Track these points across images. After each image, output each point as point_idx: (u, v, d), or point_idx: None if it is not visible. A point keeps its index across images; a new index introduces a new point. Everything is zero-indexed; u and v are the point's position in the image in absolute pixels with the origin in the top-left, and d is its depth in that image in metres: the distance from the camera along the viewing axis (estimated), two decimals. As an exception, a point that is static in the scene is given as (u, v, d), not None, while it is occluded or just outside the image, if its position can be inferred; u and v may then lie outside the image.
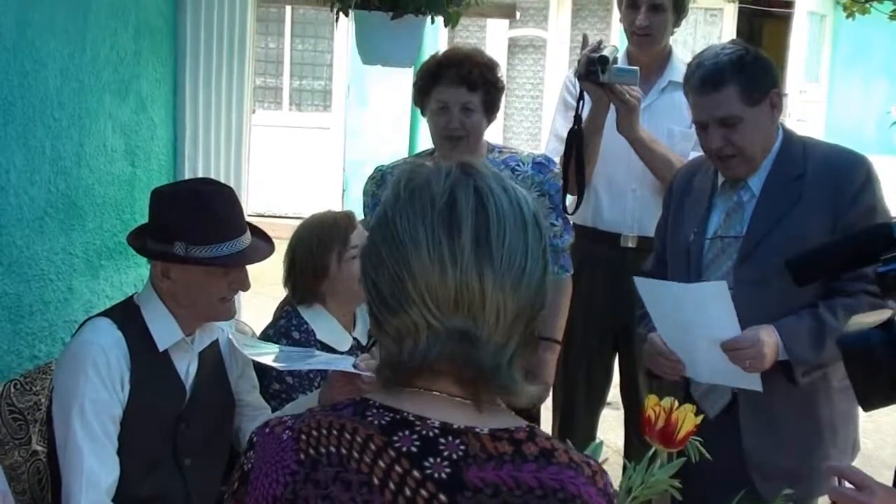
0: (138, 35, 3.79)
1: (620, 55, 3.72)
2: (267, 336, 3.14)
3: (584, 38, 3.64)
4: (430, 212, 1.40)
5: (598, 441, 2.01)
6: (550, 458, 1.41)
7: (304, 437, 1.43)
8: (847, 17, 5.75)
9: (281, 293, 3.40)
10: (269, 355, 2.77)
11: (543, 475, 1.38)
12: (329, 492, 1.38)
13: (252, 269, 2.75)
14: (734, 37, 12.22)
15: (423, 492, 1.36)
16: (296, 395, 2.96)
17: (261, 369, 2.95)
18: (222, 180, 4.01)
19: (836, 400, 2.95)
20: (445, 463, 1.38)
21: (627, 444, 4.06)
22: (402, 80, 8.08)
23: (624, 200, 3.85)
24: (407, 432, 1.40)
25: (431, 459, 1.38)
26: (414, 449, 1.39)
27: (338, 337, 3.13)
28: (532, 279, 1.42)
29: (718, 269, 2.96)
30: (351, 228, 3.15)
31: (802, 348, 2.79)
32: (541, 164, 3.43)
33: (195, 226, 2.60)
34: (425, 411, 1.44)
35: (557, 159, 3.72)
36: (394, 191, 1.47)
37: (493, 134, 11.74)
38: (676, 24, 3.85)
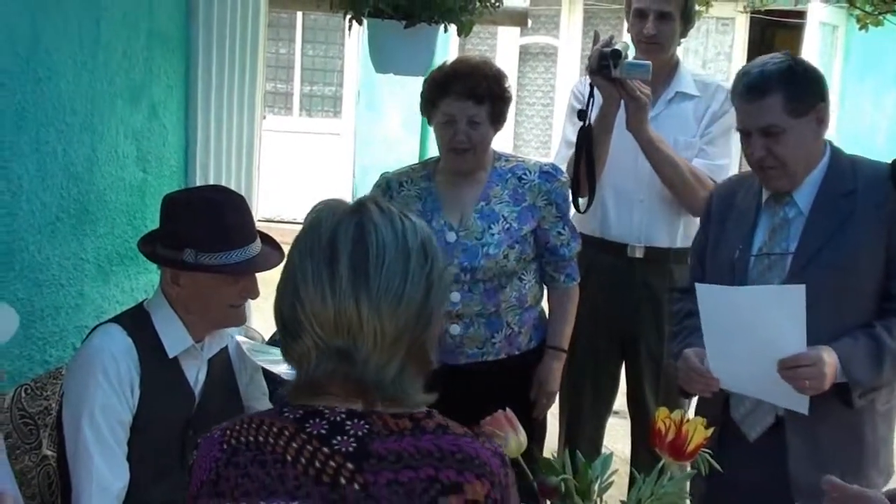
0: (150, 42, 3.81)
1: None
2: (275, 342, 3.15)
3: (596, 34, 3.64)
4: (315, 247, 1.63)
5: (608, 452, 2.01)
6: (447, 430, 1.61)
7: (228, 431, 1.66)
8: (860, 28, 5.74)
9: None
10: (278, 363, 2.77)
11: (441, 441, 1.58)
12: (247, 471, 1.59)
13: (263, 276, 2.76)
14: (746, 46, 12.23)
15: (332, 463, 1.57)
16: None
17: (269, 375, 2.95)
18: (233, 186, 4.03)
19: (879, 423, 2.90)
20: (352, 440, 1.58)
21: (634, 453, 4.05)
22: (412, 87, 8.09)
23: (631, 211, 3.85)
24: (317, 419, 1.61)
25: (339, 437, 1.59)
26: (323, 431, 1.59)
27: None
28: (412, 302, 1.60)
29: None
30: None
31: (861, 370, 2.71)
32: (548, 174, 3.40)
33: (205, 233, 2.61)
34: (334, 405, 1.65)
35: (566, 165, 3.73)
36: (300, 232, 1.70)
37: (503, 141, 11.77)
38: (684, 34, 3.84)
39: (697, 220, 3.41)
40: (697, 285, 2.82)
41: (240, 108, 4.37)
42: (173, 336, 2.70)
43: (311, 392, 1.65)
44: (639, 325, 3.85)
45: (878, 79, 11.29)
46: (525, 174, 3.39)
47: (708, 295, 2.79)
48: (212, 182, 4.12)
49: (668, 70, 3.84)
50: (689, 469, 2.13)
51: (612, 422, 4.17)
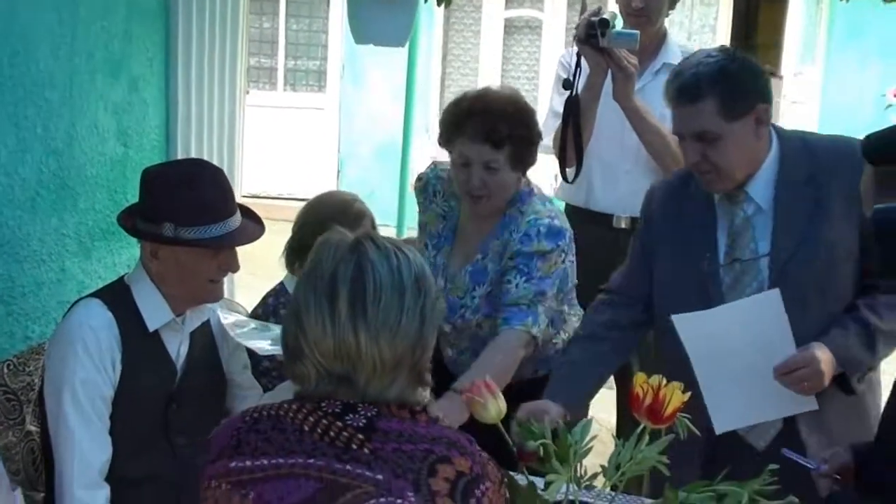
0: (129, 14, 3.78)
1: None
2: (256, 315, 3.15)
3: (584, 3, 3.66)
4: (318, 283, 1.78)
5: (588, 418, 2.02)
6: (437, 422, 1.80)
7: (251, 409, 1.84)
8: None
9: (277, 277, 3.40)
10: (259, 338, 2.78)
11: (432, 429, 1.77)
12: (267, 436, 1.76)
13: (248, 254, 2.75)
14: (730, 19, 12.20)
15: (345, 433, 1.73)
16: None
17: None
18: (215, 160, 4.01)
19: (878, 391, 2.88)
20: (362, 418, 1.75)
21: (620, 423, 4.07)
22: (397, 60, 8.03)
23: (617, 181, 3.85)
24: (331, 400, 1.77)
25: (351, 415, 1.75)
26: (338, 410, 1.76)
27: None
28: (409, 332, 1.77)
29: (741, 295, 2.76)
30: (360, 219, 3.17)
31: (857, 358, 2.67)
32: (529, 236, 3.06)
33: (184, 207, 2.60)
34: None
35: (553, 136, 3.74)
36: (306, 264, 1.86)
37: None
38: (672, 6, 3.85)
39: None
40: (674, 317, 2.70)
41: (221, 81, 4.34)
42: (153, 310, 2.69)
43: (314, 401, 1.81)
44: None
45: (863, 50, 11.26)
46: (515, 231, 3.10)
47: (686, 324, 2.69)
48: (194, 156, 4.10)
49: (655, 42, 3.83)
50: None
51: (600, 392, 4.18)
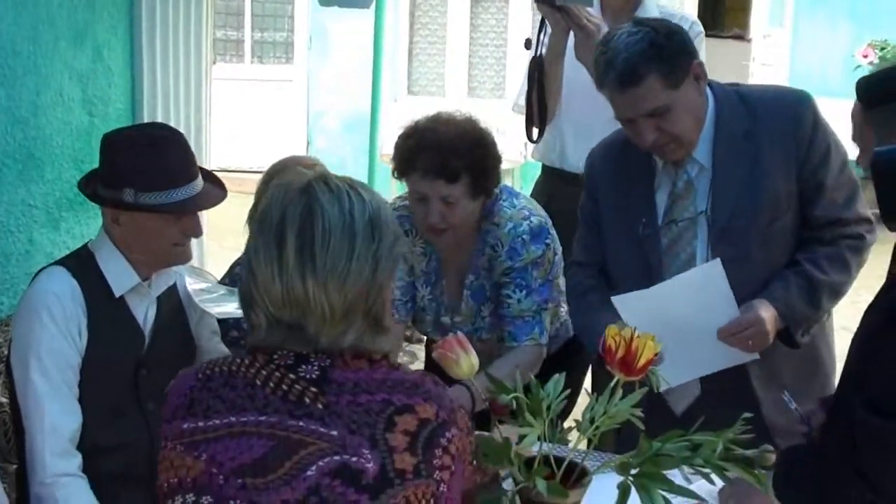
0: (91, -20, 3.73)
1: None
2: (224, 284, 3.14)
3: None
4: (267, 230, 1.74)
5: (558, 375, 2.01)
6: (397, 368, 1.77)
7: (204, 366, 1.81)
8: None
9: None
10: (228, 304, 2.76)
11: (391, 374, 1.74)
12: (219, 393, 1.74)
13: (216, 225, 2.72)
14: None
15: (297, 386, 1.71)
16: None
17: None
18: (182, 129, 3.96)
19: (830, 341, 2.92)
20: (315, 369, 1.72)
21: (595, 380, 4.07)
22: (363, 29, 7.95)
23: (589, 141, 3.80)
24: (284, 352, 1.74)
25: (304, 366, 1.73)
26: (290, 362, 1.73)
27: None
28: (360, 278, 1.71)
29: (679, 255, 2.81)
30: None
31: (800, 313, 2.69)
32: (515, 250, 3.06)
33: (144, 172, 2.57)
34: None
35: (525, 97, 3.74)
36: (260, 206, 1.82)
37: (457, 85, 11.71)
38: None
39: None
40: (614, 299, 2.68)
41: (186, 50, 4.31)
42: (118, 275, 2.67)
43: (266, 353, 1.77)
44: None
45: (832, 11, 11.27)
46: (497, 246, 3.07)
47: (626, 305, 2.67)
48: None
49: (633, 2, 3.80)
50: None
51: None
